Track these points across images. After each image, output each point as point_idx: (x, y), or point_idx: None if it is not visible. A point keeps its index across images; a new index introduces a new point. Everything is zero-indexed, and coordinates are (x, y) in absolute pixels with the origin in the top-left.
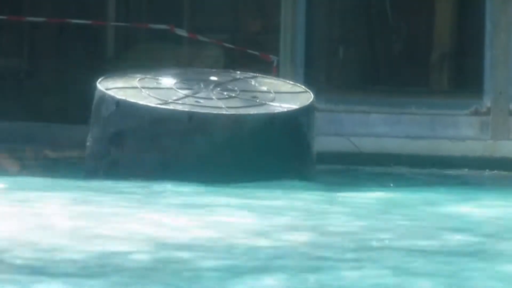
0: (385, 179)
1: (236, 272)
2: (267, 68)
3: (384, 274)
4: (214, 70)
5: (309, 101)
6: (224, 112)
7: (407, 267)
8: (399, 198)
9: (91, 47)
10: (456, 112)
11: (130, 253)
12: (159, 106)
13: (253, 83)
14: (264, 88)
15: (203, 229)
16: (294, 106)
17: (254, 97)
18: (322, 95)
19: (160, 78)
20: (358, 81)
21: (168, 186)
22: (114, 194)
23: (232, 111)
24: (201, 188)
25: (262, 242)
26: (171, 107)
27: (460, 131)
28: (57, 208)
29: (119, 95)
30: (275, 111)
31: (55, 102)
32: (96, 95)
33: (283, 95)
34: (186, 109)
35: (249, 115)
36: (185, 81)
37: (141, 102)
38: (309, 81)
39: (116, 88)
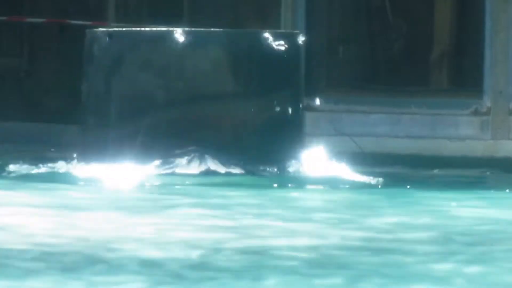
0: (385, 179)
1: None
2: None
3: (389, 273)
4: None
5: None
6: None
7: (405, 265)
8: (398, 198)
9: None
10: (456, 111)
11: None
12: (155, 28)
13: None
14: None
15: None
16: None
17: None
18: (322, 95)
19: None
20: (358, 80)
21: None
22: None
23: None
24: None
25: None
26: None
27: (460, 131)
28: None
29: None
30: None
31: (55, 103)
32: (86, 42)
33: None
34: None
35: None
36: None
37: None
38: (308, 81)
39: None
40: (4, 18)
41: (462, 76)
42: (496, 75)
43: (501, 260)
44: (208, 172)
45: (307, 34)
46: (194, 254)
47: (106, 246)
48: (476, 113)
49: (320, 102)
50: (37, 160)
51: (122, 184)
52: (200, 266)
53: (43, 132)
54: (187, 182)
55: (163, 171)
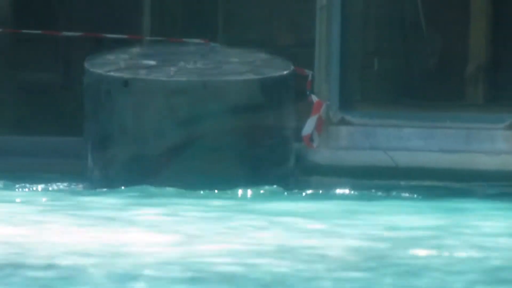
0: (419, 193)
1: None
2: (301, 83)
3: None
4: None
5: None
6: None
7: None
8: (433, 212)
9: None
10: (491, 126)
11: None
12: (172, 78)
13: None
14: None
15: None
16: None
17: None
18: (356, 109)
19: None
20: (393, 94)
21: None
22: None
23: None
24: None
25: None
26: (184, 78)
27: (495, 145)
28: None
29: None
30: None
31: None
32: (90, 79)
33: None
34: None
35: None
36: (165, 55)
37: (151, 77)
38: (343, 95)
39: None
40: (39, 32)
41: (497, 90)
42: None
43: None
44: None
45: (342, 47)
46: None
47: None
48: (511, 127)
49: (355, 116)
50: (72, 174)
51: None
52: None
53: (78, 146)
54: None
55: None
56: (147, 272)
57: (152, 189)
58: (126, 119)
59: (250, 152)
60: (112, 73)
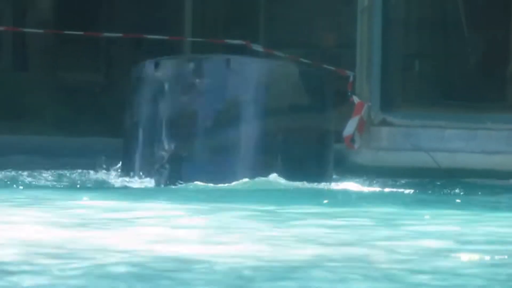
0: (461, 192)
1: None
2: (343, 83)
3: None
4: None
5: None
6: None
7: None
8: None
9: None
10: None
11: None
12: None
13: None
14: None
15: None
16: None
17: None
18: (398, 110)
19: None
20: (434, 95)
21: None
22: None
23: None
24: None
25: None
26: None
27: None
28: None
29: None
30: None
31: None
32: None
33: None
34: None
35: None
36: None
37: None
38: (385, 96)
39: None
40: (81, 33)
41: None
42: None
43: None
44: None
45: (383, 49)
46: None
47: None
48: None
49: (396, 117)
50: (114, 174)
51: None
52: None
53: (118, 146)
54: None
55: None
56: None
57: (200, 186)
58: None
59: (291, 152)
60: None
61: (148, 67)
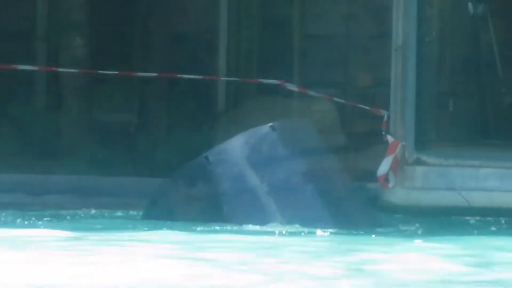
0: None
1: None
2: (377, 123)
3: None
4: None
5: None
6: None
7: None
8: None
9: (202, 102)
10: None
11: None
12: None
13: None
14: None
15: None
16: None
17: None
18: (432, 149)
19: None
20: (468, 134)
21: None
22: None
23: None
24: None
25: None
26: None
27: None
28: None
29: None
30: None
31: (166, 157)
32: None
33: None
34: None
35: None
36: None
37: None
38: (419, 135)
39: None
40: (115, 72)
41: None
42: None
43: None
44: None
45: (417, 88)
46: None
47: None
48: None
49: (430, 156)
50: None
51: None
52: None
53: (153, 187)
54: None
55: None
56: None
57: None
58: None
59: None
60: None
61: None
